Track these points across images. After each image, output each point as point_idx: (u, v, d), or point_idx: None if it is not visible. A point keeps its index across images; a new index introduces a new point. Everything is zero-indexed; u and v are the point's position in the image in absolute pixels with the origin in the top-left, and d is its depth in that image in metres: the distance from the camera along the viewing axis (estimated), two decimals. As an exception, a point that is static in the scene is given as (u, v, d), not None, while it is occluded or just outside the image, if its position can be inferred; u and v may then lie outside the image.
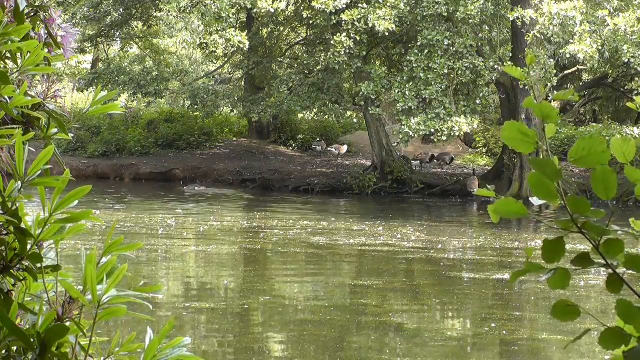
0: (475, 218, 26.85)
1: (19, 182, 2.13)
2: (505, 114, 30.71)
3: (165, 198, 29.04)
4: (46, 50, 2.39)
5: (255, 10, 28.56)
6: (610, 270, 1.82)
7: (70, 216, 2.14)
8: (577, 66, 28.42)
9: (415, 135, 28.11)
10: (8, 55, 2.24)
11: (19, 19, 2.21)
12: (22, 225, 2.14)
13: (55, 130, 2.32)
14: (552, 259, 1.83)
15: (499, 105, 33.09)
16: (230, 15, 28.41)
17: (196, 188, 31.49)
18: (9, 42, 2.17)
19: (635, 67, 26.10)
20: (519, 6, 26.94)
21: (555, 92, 29.52)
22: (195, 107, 34.32)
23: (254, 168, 33.80)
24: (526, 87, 26.94)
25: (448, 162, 34.23)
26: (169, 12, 36.10)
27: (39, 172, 2.15)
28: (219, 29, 28.23)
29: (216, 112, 36.80)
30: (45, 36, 2.39)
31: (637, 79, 27.66)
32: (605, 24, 25.90)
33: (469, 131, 28.84)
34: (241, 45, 28.64)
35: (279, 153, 36.35)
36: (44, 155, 2.13)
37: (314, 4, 27.35)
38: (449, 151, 35.47)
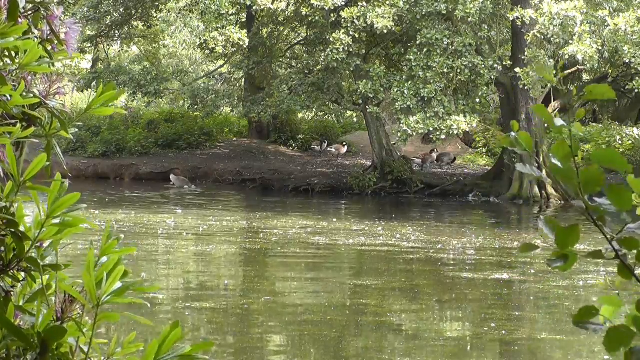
0: (475, 218, 26.85)
1: (15, 185, 2.14)
2: (505, 114, 30.70)
3: (165, 198, 29.06)
4: (49, 46, 2.38)
5: (254, 8, 28.57)
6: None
7: (66, 220, 2.14)
8: (577, 66, 28.40)
9: (414, 134, 28.12)
10: (6, 54, 2.23)
11: (11, 17, 2.20)
12: (21, 227, 2.14)
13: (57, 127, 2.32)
14: (565, 245, 1.91)
15: (499, 105, 33.08)
16: (230, 12, 28.42)
17: (185, 187, 31.39)
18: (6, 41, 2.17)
19: (636, 67, 26.08)
20: (519, 6, 26.93)
21: (555, 92, 29.52)
22: (195, 107, 34.33)
23: (254, 168, 33.80)
24: (526, 87, 26.93)
25: (449, 162, 34.28)
26: (169, 12, 36.12)
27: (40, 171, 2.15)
28: (218, 26, 28.25)
29: (216, 112, 36.80)
30: (48, 32, 2.39)
31: (637, 78, 27.62)
32: (606, 24, 25.89)
33: (468, 130, 28.83)
34: (241, 42, 28.64)
35: (279, 153, 36.35)
36: (38, 162, 2.13)
37: (312, 1, 27.34)
38: (449, 151, 35.49)
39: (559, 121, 1.90)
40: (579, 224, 1.92)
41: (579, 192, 1.88)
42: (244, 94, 35.03)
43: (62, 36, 2.41)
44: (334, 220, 23.79)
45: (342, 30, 27.57)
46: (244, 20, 33.62)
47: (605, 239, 1.89)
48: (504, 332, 11.73)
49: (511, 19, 26.90)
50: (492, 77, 27.59)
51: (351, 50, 27.92)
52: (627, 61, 26.25)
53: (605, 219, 1.87)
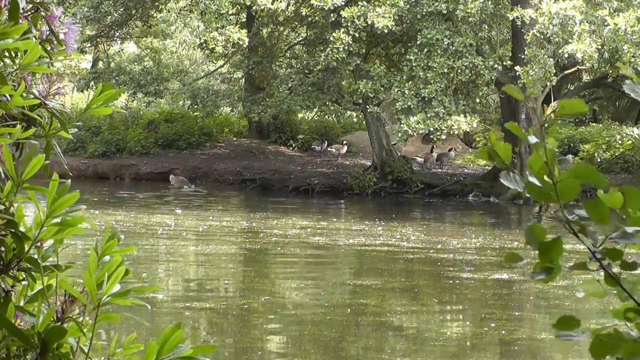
0: (475, 218, 26.85)
1: (14, 186, 2.14)
2: (505, 114, 30.70)
3: (165, 198, 29.05)
4: (48, 47, 2.38)
5: (254, 8, 28.58)
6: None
7: (66, 220, 2.14)
8: (577, 66, 28.40)
9: (415, 134, 28.13)
10: (6, 54, 2.23)
11: (13, 17, 2.20)
12: (21, 227, 2.14)
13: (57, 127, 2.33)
14: (548, 259, 1.91)
15: (499, 105, 33.08)
16: (230, 12, 28.43)
17: (185, 187, 31.43)
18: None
19: (636, 67, 26.07)
20: (519, 5, 26.94)
21: (555, 92, 29.54)
22: (195, 107, 34.34)
23: (254, 168, 33.80)
24: (526, 87, 26.91)
25: (452, 157, 34.38)
26: (169, 12, 36.12)
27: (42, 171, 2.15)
28: (218, 26, 28.26)
29: (216, 112, 36.80)
30: (47, 32, 2.39)
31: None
32: (605, 23, 25.89)
33: (468, 130, 28.84)
34: (240, 42, 28.64)
35: (279, 153, 36.35)
36: (36, 162, 2.13)
37: (312, 1, 27.34)
38: (449, 149, 35.51)
39: (532, 139, 1.92)
40: (561, 236, 1.94)
41: (558, 206, 1.90)
42: (244, 94, 35.03)
43: (62, 36, 2.41)
44: (334, 220, 23.78)
45: (342, 30, 27.57)
46: (244, 20, 33.62)
47: (590, 249, 1.89)
48: (504, 332, 11.73)
49: (511, 18, 26.90)
50: (492, 77, 27.59)
51: (351, 49, 27.92)
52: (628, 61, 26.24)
53: (587, 230, 1.88)
